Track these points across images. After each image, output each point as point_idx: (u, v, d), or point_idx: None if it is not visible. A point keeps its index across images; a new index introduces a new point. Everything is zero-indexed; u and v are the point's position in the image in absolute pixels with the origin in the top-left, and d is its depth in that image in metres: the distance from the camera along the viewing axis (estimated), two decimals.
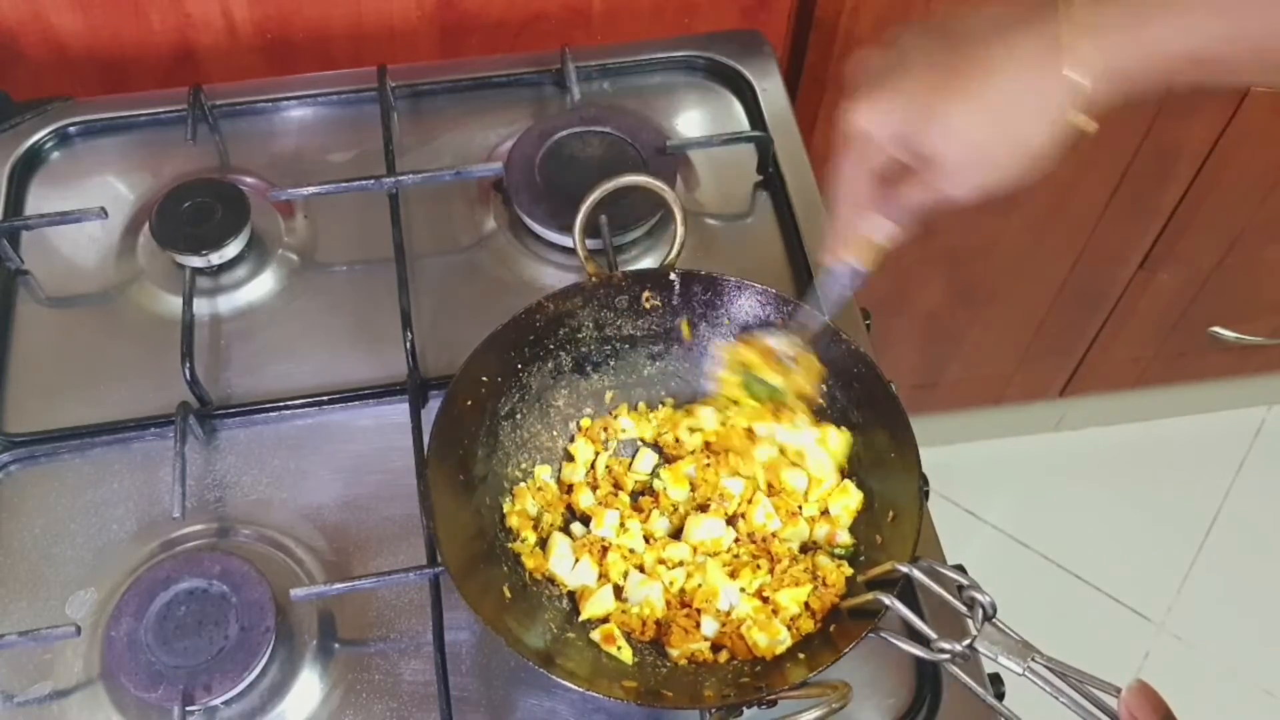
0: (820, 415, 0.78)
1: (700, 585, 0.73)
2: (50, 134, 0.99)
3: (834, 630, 0.69)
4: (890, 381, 0.76)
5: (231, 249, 0.90)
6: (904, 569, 0.65)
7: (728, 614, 0.72)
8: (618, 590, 0.74)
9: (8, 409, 0.85)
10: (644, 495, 0.79)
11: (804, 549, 0.76)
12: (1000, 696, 0.67)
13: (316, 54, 1.11)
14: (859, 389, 0.77)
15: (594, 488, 0.79)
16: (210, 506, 0.81)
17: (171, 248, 0.89)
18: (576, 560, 0.74)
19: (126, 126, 1.00)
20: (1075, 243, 1.50)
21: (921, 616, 0.64)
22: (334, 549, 0.79)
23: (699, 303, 0.81)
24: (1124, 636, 1.76)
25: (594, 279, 0.80)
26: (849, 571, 0.73)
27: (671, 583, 0.74)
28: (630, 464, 0.81)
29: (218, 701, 0.70)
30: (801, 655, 0.69)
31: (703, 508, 0.77)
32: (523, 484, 0.78)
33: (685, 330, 0.81)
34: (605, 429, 0.81)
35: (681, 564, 0.75)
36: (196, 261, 0.89)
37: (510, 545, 0.76)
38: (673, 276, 0.80)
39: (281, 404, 0.85)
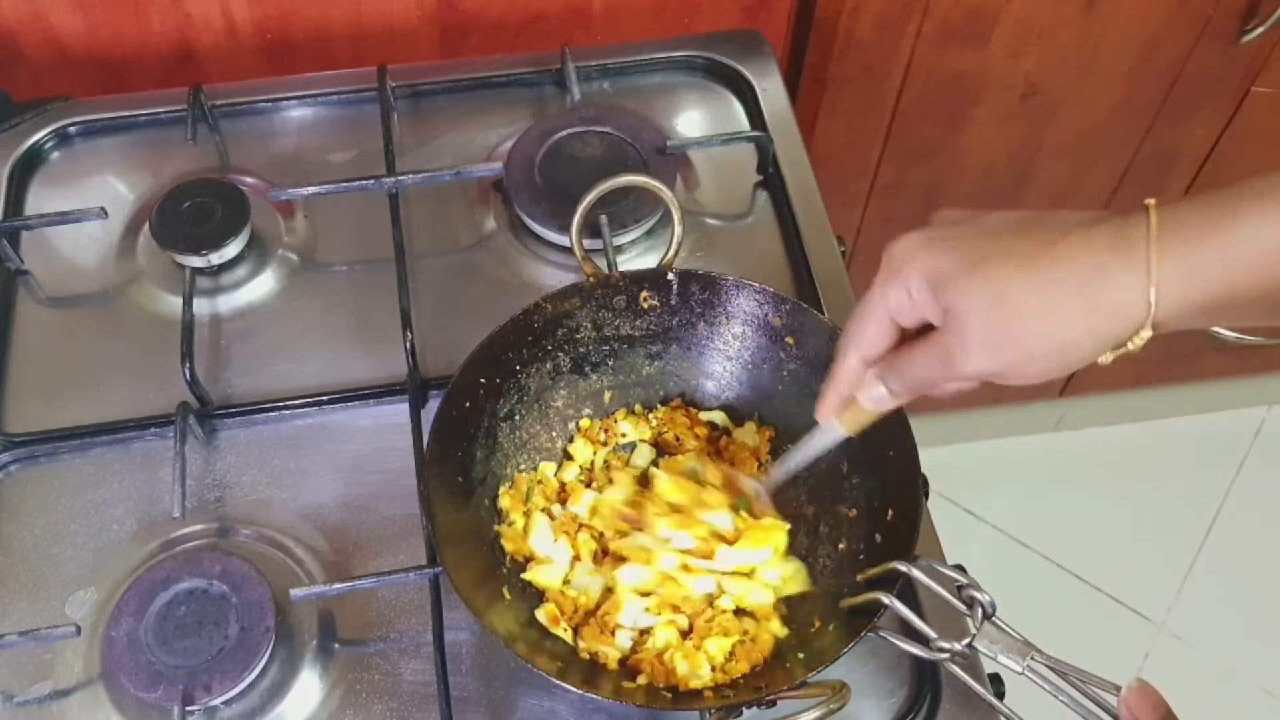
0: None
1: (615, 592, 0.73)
2: (50, 134, 0.99)
3: (833, 630, 0.69)
4: None
5: (231, 249, 0.90)
6: (903, 568, 0.65)
7: (644, 633, 0.72)
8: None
9: (8, 409, 0.85)
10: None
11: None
12: (1000, 696, 0.67)
13: (316, 54, 1.11)
14: None
15: (589, 484, 0.79)
16: (210, 506, 0.81)
17: (171, 248, 0.89)
18: (555, 540, 0.75)
19: (126, 126, 1.01)
20: None
21: (921, 616, 0.64)
22: (334, 549, 0.79)
23: (697, 302, 0.81)
24: (1124, 636, 1.76)
25: (591, 279, 0.80)
26: (782, 633, 0.72)
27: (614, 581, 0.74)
28: (628, 460, 0.81)
29: (218, 701, 0.70)
30: (802, 655, 0.69)
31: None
32: (523, 474, 0.79)
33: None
34: (605, 430, 0.82)
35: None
36: (196, 261, 0.89)
37: (496, 528, 0.76)
38: (671, 276, 0.80)
39: (281, 404, 0.85)
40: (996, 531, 1.85)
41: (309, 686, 0.73)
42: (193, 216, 0.90)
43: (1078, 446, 1.91)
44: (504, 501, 0.77)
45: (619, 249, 0.91)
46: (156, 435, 0.83)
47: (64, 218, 0.91)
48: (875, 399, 0.62)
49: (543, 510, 0.77)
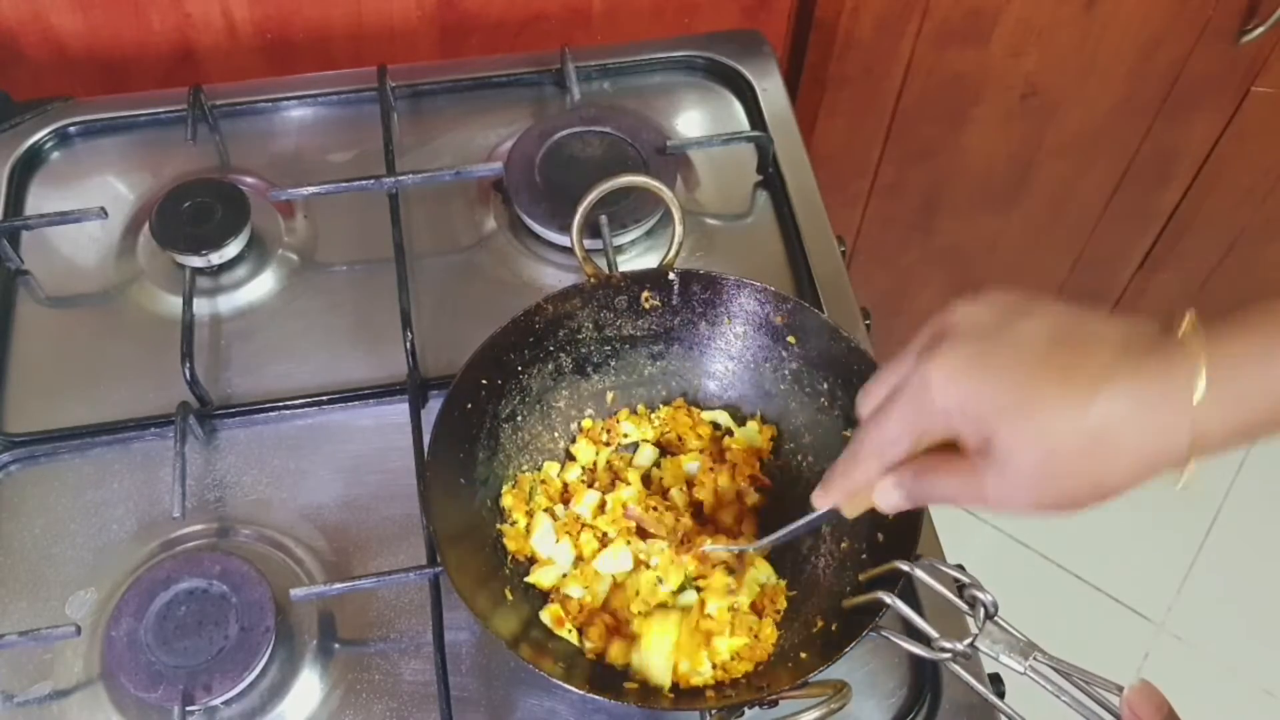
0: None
1: (638, 593, 0.73)
2: (50, 134, 0.99)
3: (834, 629, 0.69)
4: None
5: (231, 249, 0.90)
6: (905, 567, 0.65)
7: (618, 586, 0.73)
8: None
9: (8, 409, 0.85)
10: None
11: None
12: (1001, 695, 0.67)
13: (316, 54, 1.11)
14: (859, 388, 0.77)
15: (591, 484, 0.79)
16: (210, 506, 0.81)
17: (171, 248, 0.89)
18: (558, 540, 0.75)
19: (126, 126, 1.00)
20: (1075, 243, 1.50)
21: (922, 615, 0.64)
22: (334, 549, 0.79)
23: (699, 302, 0.81)
24: (1124, 636, 1.76)
25: (592, 279, 0.80)
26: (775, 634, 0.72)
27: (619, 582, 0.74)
28: (631, 460, 0.81)
29: (218, 701, 0.70)
30: (802, 655, 0.69)
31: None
32: (526, 474, 0.79)
33: None
34: (608, 431, 0.81)
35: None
36: (196, 261, 0.89)
37: (499, 527, 0.76)
38: (672, 276, 0.80)
39: (281, 404, 0.85)
40: (996, 531, 1.85)
41: (309, 686, 0.73)
42: (193, 216, 0.90)
43: None
44: (507, 501, 0.77)
45: (619, 249, 0.91)
46: (156, 435, 0.83)
47: (64, 218, 0.91)
48: (890, 504, 0.60)
49: (545, 510, 0.77)
